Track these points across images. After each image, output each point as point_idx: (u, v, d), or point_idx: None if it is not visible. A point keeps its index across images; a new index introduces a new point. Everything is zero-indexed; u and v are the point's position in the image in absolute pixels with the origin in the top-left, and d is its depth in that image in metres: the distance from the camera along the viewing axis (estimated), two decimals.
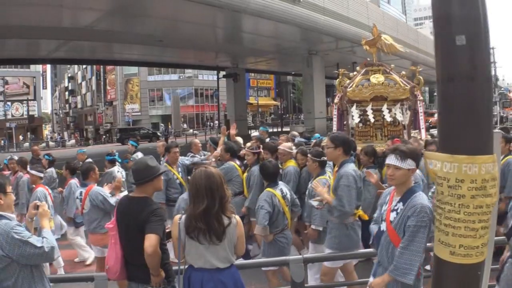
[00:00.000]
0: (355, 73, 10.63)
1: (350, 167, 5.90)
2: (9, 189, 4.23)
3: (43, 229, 4.26)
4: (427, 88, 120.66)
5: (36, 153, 14.96)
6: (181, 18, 25.08)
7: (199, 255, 4.03)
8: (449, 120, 3.52)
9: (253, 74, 71.56)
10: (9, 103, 69.86)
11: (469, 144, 3.32)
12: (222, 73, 47.15)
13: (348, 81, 10.33)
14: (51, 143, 65.98)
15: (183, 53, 38.83)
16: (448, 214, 3.37)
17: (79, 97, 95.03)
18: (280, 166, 7.79)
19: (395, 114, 9.49)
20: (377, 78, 9.72)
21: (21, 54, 34.07)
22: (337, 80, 10.65)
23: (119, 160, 11.16)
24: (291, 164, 8.21)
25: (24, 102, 73.60)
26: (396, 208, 4.16)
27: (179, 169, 9.24)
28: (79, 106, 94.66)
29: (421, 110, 10.04)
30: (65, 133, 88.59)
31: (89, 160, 11.59)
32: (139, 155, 11.89)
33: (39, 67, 75.41)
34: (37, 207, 4.48)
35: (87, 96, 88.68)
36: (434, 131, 14.57)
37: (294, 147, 8.97)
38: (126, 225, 4.33)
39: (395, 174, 4.11)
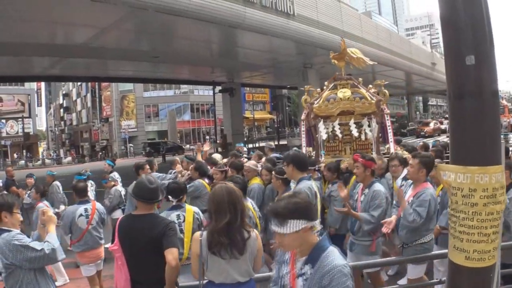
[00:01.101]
0: (325, 87, 10.60)
1: (305, 184, 6.06)
2: (16, 209, 4.47)
3: (48, 233, 4.49)
4: (420, 98, 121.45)
5: (10, 174, 14.94)
6: (176, 34, 25.27)
7: (221, 270, 4.04)
8: (460, 134, 3.71)
9: (248, 89, 71.78)
10: (3, 120, 69.77)
11: (480, 156, 3.55)
12: (218, 88, 47.34)
13: (316, 97, 10.40)
14: (47, 161, 65.77)
15: (178, 69, 39.03)
16: (462, 222, 3.60)
17: (74, 114, 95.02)
18: None
19: (363, 128, 9.58)
20: (344, 93, 9.71)
21: (14, 71, 34.01)
22: (303, 97, 10.66)
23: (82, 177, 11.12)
24: (256, 182, 8.34)
25: (19, 119, 73.53)
26: (302, 272, 3.21)
27: None
28: (74, 123, 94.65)
29: (388, 123, 9.96)
30: (61, 151, 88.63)
31: (57, 182, 12.18)
32: (116, 175, 12.10)
33: (33, 85, 75.69)
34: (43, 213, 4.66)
35: (82, 113, 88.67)
36: (424, 141, 14.69)
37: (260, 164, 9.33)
38: (132, 244, 4.34)
39: (283, 242, 3.16)
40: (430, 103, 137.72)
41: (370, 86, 10.24)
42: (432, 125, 54.71)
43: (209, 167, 9.29)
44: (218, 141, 50.36)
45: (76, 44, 24.75)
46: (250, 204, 6.44)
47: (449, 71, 3.87)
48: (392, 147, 10.07)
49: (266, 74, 44.44)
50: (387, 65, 42.44)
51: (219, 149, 40.77)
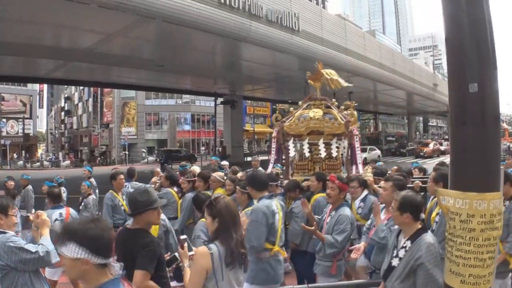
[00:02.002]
0: (299, 103, 10.98)
1: (263, 203, 6.02)
2: (11, 211, 4.51)
3: (42, 236, 4.52)
4: (421, 118, 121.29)
5: None
6: (182, 44, 25.26)
7: (227, 282, 3.97)
8: (461, 160, 3.80)
9: (249, 101, 71.75)
10: (4, 120, 69.56)
11: (479, 182, 3.61)
12: (220, 99, 47.36)
13: (289, 115, 10.72)
14: (45, 163, 65.59)
15: (181, 79, 39.06)
16: (459, 247, 3.63)
17: (75, 118, 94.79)
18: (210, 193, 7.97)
19: (332, 148, 9.72)
20: (316, 113, 9.92)
21: (18, 71, 33.96)
22: (274, 115, 11.03)
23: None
24: (220, 192, 8.29)
25: (20, 120, 73.50)
26: None
27: (124, 196, 9.54)
28: (74, 127, 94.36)
29: (357, 145, 10.15)
30: (60, 154, 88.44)
31: (30, 187, 12.26)
32: (93, 181, 12.24)
33: (36, 86, 75.45)
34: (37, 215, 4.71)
35: (83, 117, 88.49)
36: (420, 161, 14.84)
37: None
38: (123, 257, 4.22)
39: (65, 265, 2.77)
40: (430, 123, 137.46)
41: (343, 107, 10.53)
42: (431, 146, 54.76)
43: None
44: (217, 153, 50.33)
45: (81, 49, 24.82)
46: None
47: (452, 98, 3.95)
48: (360, 168, 10.14)
49: (268, 88, 44.55)
50: (389, 84, 42.61)
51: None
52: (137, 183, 10.89)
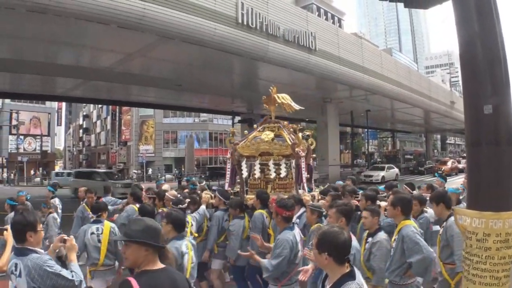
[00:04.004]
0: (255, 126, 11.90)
1: (173, 244, 6.00)
2: (39, 227, 4.43)
3: (71, 263, 4.46)
4: (439, 136, 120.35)
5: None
6: (199, 64, 25.53)
7: None
8: (477, 180, 3.85)
9: None
10: (21, 137, 70.19)
11: (495, 202, 3.66)
12: (237, 118, 47.43)
13: (244, 137, 11.42)
14: None
15: (199, 97, 39.21)
16: (476, 265, 3.71)
17: (93, 136, 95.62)
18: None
19: (281, 169, 10.21)
20: (267, 135, 10.43)
21: (37, 90, 34.21)
22: (227, 138, 11.65)
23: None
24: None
25: (37, 137, 74.21)
26: None
27: None
28: (92, 144, 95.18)
29: (303, 165, 10.43)
30: None
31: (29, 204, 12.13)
32: (56, 201, 12.36)
33: (54, 104, 76.15)
34: (64, 240, 4.62)
35: (101, 135, 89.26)
36: (432, 179, 14.83)
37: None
38: None
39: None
40: (448, 141, 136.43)
41: (291, 129, 11.30)
42: (449, 164, 54.18)
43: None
44: None
45: (101, 68, 25.17)
46: None
47: (468, 119, 4.03)
48: (305, 187, 10.53)
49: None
50: (406, 102, 42.45)
51: None
52: (112, 198, 12.52)
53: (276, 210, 6.31)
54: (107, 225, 7.62)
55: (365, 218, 6.47)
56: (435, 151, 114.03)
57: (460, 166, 54.78)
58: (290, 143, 10.18)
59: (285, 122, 11.61)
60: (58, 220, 11.42)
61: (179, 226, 6.01)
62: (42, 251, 4.38)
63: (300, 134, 10.78)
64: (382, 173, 44.37)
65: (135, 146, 71.82)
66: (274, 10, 23.59)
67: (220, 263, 8.74)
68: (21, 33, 18.67)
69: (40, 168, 71.73)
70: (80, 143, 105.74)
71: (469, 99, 4.05)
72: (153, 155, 70.44)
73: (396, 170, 47.83)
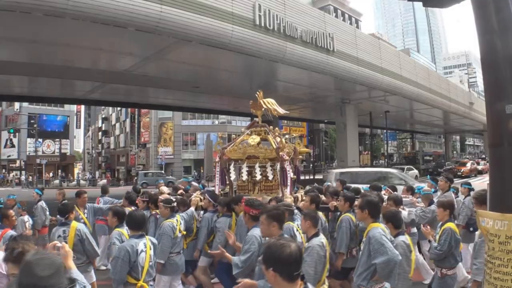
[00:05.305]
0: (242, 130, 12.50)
1: (129, 242, 6.36)
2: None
3: (71, 270, 4.29)
4: (458, 137, 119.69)
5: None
6: (217, 66, 25.59)
7: None
8: (499, 181, 3.75)
9: (285, 122, 71.79)
10: (40, 139, 70.87)
11: None
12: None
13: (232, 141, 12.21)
14: (82, 182, 66.56)
15: (217, 99, 39.20)
16: (497, 268, 3.63)
17: (112, 138, 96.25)
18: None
19: (267, 171, 10.83)
20: (254, 139, 11.07)
21: (55, 93, 34.35)
22: (215, 142, 12.73)
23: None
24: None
25: (56, 140, 74.86)
26: None
27: (86, 211, 11.15)
28: (111, 146, 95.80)
29: (288, 168, 10.74)
30: (97, 173, 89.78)
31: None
32: (43, 204, 12.70)
33: (73, 107, 76.87)
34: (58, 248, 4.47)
35: (120, 137, 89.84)
36: (458, 181, 14.82)
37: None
38: None
39: None
40: (467, 142, 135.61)
41: (277, 134, 11.87)
42: (469, 165, 53.79)
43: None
44: None
45: (119, 71, 25.22)
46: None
47: (490, 120, 3.95)
48: (288, 190, 10.80)
49: (304, 108, 44.44)
50: (425, 103, 42.15)
51: None
52: (109, 198, 12.94)
53: (244, 209, 6.66)
54: (73, 228, 7.91)
55: (302, 221, 6.56)
56: (454, 152, 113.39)
57: (479, 167, 54.35)
58: (275, 147, 10.70)
59: (271, 127, 12.27)
60: (30, 223, 11.68)
61: (134, 226, 6.49)
62: None
63: (283, 139, 11.48)
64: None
65: (154, 148, 72.23)
66: (291, 11, 23.49)
67: (207, 261, 9.14)
68: (39, 37, 18.80)
69: (59, 171, 72.44)
70: (99, 145, 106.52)
71: (490, 99, 3.98)
72: (172, 157, 70.81)
73: (415, 171, 47.48)
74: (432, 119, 60.06)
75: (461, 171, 51.40)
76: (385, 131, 61.34)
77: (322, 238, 6.26)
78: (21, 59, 22.53)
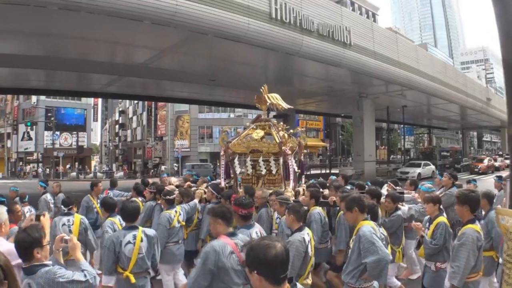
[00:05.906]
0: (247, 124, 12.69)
1: (118, 233, 6.56)
2: (45, 241, 4.28)
3: (80, 262, 4.42)
4: (475, 133, 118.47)
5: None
6: (233, 59, 25.53)
7: None
8: None
9: (302, 115, 71.58)
10: (57, 132, 71.34)
11: None
12: (272, 113, 47.31)
13: (237, 135, 12.42)
14: (99, 174, 66.82)
15: (233, 93, 39.18)
16: None
17: (129, 131, 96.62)
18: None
19: (270, 165, 11.03)
20: (258, 134, 11.33)
21: (72, 86, 34.53)
22: (220, 137, 12.70)
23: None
24: None
25: (74, 133, 75.28)
26: None
27: (98, 200, 11.16)
28: (128, 139, 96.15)
29: (291, 163, 10.84)
30: (114, 165, 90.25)
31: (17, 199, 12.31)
32: (47, 197, 12.72)
33: (90, 100, 76.99)
34: (66, 240, 4.57)
35: (137, 130, 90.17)
36: (474, 178, 14.83)
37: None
38: None
39: None
40: (484, 139, 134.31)
41: (280, 129, 11.90)
42: (486, 161, 53.21)
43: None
44: None
45: (135, 64, 25.30)
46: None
47: (511, 114, 3.86)
48: (291, 184, 10.83)
49: (321, 101, 44.30)
50: (442, 98, 41.79)
51: None
52: (118, 191, 13.05)
53: (233, 209, 6.03)
54: (77, 217, 8.62)
55: (286, 215, 6.62)
56: (472, 148, 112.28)
57: (497, 164, 53.83)
58: (278, 141, 10.88)
59: (274, 121, 12.64)
60: (51, 205, 12.39)
61: (127, 217, 6.62)
62: (50, 262, 4.28)
63: (286, 134, 11.61)
64: (418, 170, 43.81)
65: (170, 141, 72.37)
66: (307, 4, 23.35)
67: None
68: (54, 31, 18.88)
69: (76, 163, 72.85)
70: (116, 138, 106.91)
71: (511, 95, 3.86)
72: (188, 150, 70.89)
73: (432, 167, 47.18)
74: (449, 114, 59.57)
75: (479, 167, 50.92)
76: (402, 126, 60.97)
77: (304, 234, 6.26)
78: (37, 52, 22.67)
